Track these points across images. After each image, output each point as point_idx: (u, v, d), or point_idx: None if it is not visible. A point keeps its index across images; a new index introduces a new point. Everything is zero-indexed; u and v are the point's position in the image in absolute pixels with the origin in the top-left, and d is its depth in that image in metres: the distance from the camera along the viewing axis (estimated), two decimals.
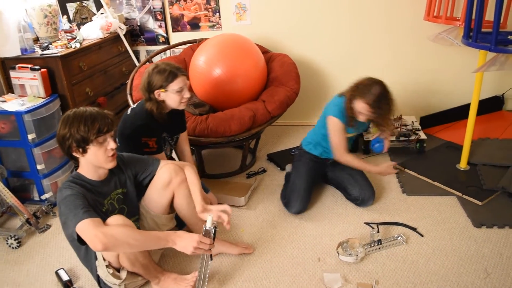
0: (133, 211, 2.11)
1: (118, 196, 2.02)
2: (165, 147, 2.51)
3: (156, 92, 2.25)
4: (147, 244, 1.79)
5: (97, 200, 1.89)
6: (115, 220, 1.77)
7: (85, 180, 1.90)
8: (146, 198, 2.14)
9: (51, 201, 2.83)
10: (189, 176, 2.12)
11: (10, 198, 2.54)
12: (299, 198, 2.57)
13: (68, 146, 1.81)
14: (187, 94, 2.29)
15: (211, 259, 1.98)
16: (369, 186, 2.64)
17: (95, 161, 1.86)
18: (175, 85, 2.24)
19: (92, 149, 1.82)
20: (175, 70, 2.25)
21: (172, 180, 2.08)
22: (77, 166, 1.95)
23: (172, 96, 2.27)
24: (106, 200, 1.96)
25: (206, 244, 1.84)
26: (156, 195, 2.11)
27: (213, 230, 1.91)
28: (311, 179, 2.67)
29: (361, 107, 2.42)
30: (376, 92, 2.41)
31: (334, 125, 2.54)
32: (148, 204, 2.14)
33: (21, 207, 2.56)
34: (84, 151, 1.82)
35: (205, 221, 1.92)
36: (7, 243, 2.46)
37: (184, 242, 1.81)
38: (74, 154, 1.84)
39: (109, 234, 1.66)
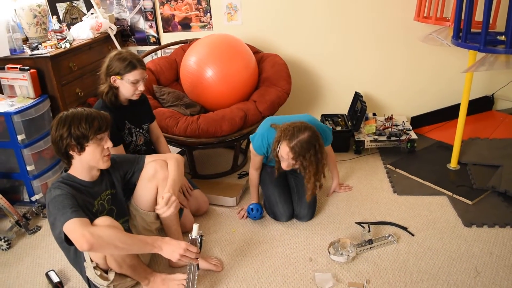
0: (122, 212, 2.11)
1: (108, 197, 2.02)
2: (134, 138, 2.50)
3: (112, 77, 2.28)
4: (133, 247, 1.78)
5: (87, 200, 1.88)
6: (103, 221, 1.76)
7: (76, 181, 1.89)
8: (135, 194, 2.16)
9: (41, 203, 2.81)
10: (169, 169, 2.12)
11: (0, 200, 2.51)
12: (280, 208, 2.53)
13: (65, 145, 1.81)
14: (141, 87, 2.33)
15: (198, 269, 1.97)
16: (308, 206, 2.52)
17: (92, 160, 1.86)
18: (131, 76, 2.27)
19: (90, 148, 1.83)
20: (135, 62, 2.28)
21: (156, 174, 2.08)
22: (67, 168, 1.94)
23: (126, 86, 2.31)
24: (96, 200, 1.95)
25: (193, 253, 1.84)
26: (142, 189, 2.12)
27: (199, 239, 1.92)
28: (280, 184, 2.60)
29: (284, 151, 2.20)
30: (303, 138, 2.15)
31: (252, 155, 2.53)
32: (136, 201, 2.15)
33: (10, 209, 2.54)
34: (82, 149, 1.82)
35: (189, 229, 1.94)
36: None
37: (171, 249, 1.81)
38: (71, 152, 1.84)
39: (96, 235, 1.65)
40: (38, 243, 2.50)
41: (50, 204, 1.76)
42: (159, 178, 2.09)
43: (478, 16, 2.71)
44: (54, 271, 2.21)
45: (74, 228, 1.66)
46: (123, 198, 2.11)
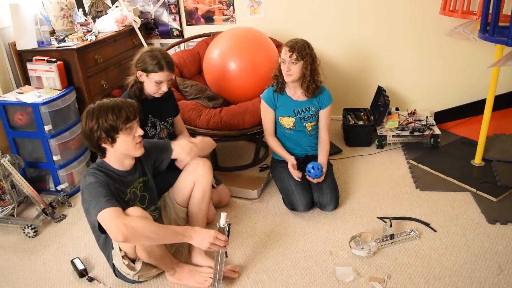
0: (153, 199, 2.15)
1: (140, 184, 2.05)
2: (158, 131, 2.53)
3: (139, 72, 2.31)
4: (165, 238, 1.83)
5: (120, 189, 1.91)
6: (134, 211, 1.79)
7: (110, 169, 1.93)
8: (175, 185, 2.24)
9: (67, 192, 2.88)
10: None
11: (27, 188, 2.58)
12: (297, 196, 2.53)
13: (97, 138, 1.83)
14: (164, 88, 2.35)
15: (226, 256, 2.00)
16: (329, 191, 2.53)
17: (125, 149, 1.89)
18: (157, 76, 2.29)
19: (121, 138, 1.84)
20: (164, 63, 2.29)
21: (198, 168, 2.18)
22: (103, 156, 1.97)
23: (150, 84, 2.33)
24: (129, 189, 1.98)
25: (222, 241, 1.86)
26: (182, 181, 2.22)
27: (227, 227, 1.94)
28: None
29: (283, 52, 2.45)
30: (297, 40, 2.47)
31: (261, 107, 2.68)
32: (174, 193, 2.22)
33: (37, 197, 2.60)
34: (114, 141, 1.84)
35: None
36: (24, 232, 2.50)
37: (201, 237, 1.84)
38: (103, 145, 1.86)
39: (130, 226, 1.68)
40: (64, 231, 2.56)
41: (84, 190, 1.80)
42: (199, 173, 2.17)
43: (506, 9, 2.65)
44: (79, 258, 2.26)
45: (108, 219, 1.70)
46: (154, 185, 2.15)
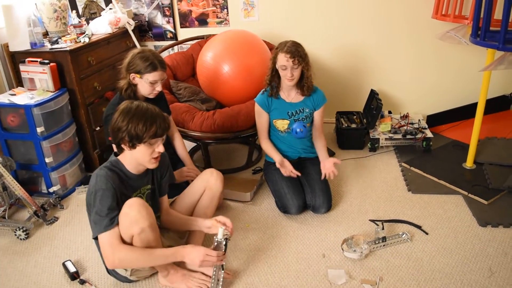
0: (156, 209, 2.14)
1: (148, 191, 2.06)
2: None
3: (132, 75, 2.31)
4: (156, 262, 1.94)
5: (125, 194, 1.90)
6: (134, 201, 1.81)
7: (122, 170, 1.93)
8: (185, 192, 2.32)
9: (59, 194, 2.86)
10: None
11: (19, 190, 2.57)
12: (290, 199, 2.54)
13: (120, 138, 1.84)
14: (158, 88, 2.35)
15: (223, 269, 2.00)
16: (322, 194, 2.54)
17: (140, 158, 1.89)
18: (151, 76, 2.29)
19: (141, 148, 1.85)
20: (157, 63, 2.29)
21: (210, 178, 2.28)
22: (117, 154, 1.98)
23: (144, 85, 2.33)
24: (135, 193, 1.98)
25: (213, 257, 1.88)
26: (194, 185, 2.32)
27: (223, 242, 1.95)
28: (289, 177, 2.59)
29: (282, 59, 2.45)
30: (290, 42, 2.50)
31: (256, 110, 2.69)
32: (181, 200, 2.31)
33: (29, 199, 2.59)
34: (133, 147, 1.85)
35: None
36: (16, 235, 2.49)
37: (192, 256, 1.88)
38: (122, 145, 1.87)
39: (119, 259, 1.81)
40: (56, 234, 2.55)
41: (94, 192, 1.82)
42: (211, 182, 2.28)
43: (497, 14, 2.68)
44: (70, 261, 2.25)
45: (104, 245, 1.81)
46: (157, 195, 2.15)
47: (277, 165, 2.54)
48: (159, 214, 2.18)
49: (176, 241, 2.21)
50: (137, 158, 1.90)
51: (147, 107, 1.87)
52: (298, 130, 2.58)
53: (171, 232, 2.22)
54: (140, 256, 1.83)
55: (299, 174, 2.54)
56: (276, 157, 2.60)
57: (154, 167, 1.96)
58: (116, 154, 1.97)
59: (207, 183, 2.28)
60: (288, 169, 2.52)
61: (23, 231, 2.48)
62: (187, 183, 2.49)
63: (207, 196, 2.28)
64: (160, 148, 1.89)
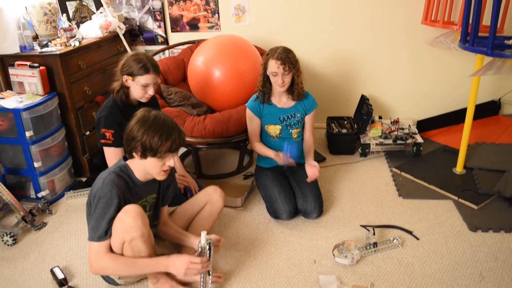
0: (156, 218, 2.14)
1: (153, 200, 2.05)
2: None
3: (124, 77, 2.29)
4: (139, 272, 1.96)
5: (130, 200, 1.88)
6: (132, 208, 1.80)
7: (130, 176, 1.91)
8: (185, 203, 2.31)
9: (48, 199, 2.83)
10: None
11: (7, 195, 2.53)
12: (280, 204, 2.53)
13: (133, 147, 1.82)
14: (151, 91, 2.33)
15: (209, 275, 1.99)
16: (314, 199, 2.54)
17: (149, 169, 1.87)
18: (143, 79, 2.27)
19: (152, 159, 1.82)
20: (149, 66, 2.28)
21: (213, 194, 2.27)
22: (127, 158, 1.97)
23: (136, 88, 2.30)
24: (141, 201, 1.96)
25: (198, 264, 1.87)
26: (196, 199, 2.31)
27: (207, 247, 1.93)
28: (279, 182, 2.62)
29: (273, 65, 2.45)
30: (280, 48, 2.50)
31: (247, 115, 2.69)
32: (181, 212, 2.29)
33: (17, 205, 2.56)
34: (144, 157, 1.83)
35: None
36: (3, 240, 2.45)
37: (176, 265, 1.87)
38: (134, 154, 1.85)
39: (104, 267, 1.87)
40: (44, 239, 2.52)
41: (98, 197, 1.81)
42: (213, 198, 2.27)
43: (486, 20, 2.71)
44: (59, 267, 2.22)
45: (91, 253, 1.84)
46: (159, 205, 2.13)
47: (273, 156, 2.55)
48: (157, 222, 2.16)
49: (170, 250, 2.19)
50: (146, 168, 1.88)
51: (164, 119, 1.84)
52: (288, 152, 2.50)
53: (166, 241, 2.21)
54: (122, 266, 1.84)
55: (294, 164, 2.53)
56: (270, 152, 2.60)
57: (162, 179, 1.95)
58: (126, 158, 1.95)
59: (209, 198, 2.27)
60: (285, 157, 2.50)
61: (10, 237, 2.45)
62: (185, 194, 2.49)
63: (207, 210, 2.27)
64: (171, 162, 1.86)
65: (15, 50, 2.86)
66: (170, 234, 2.16)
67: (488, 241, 2.32)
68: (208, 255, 1.93)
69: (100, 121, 2.29)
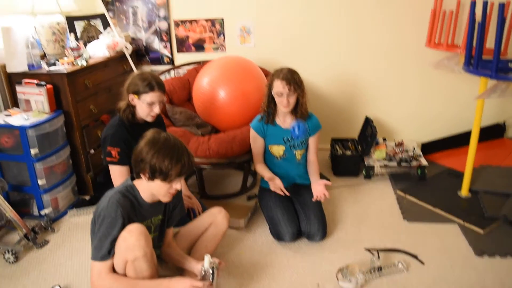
0: (161, 238, 2.13)
1: (158, 222, 2.04)
2: None
3: (130, 95, 2.30)
4: None
5: (134, 220, 1.87)
6: (135, 228, 1.79)
7: (136, 197, 1.91)
8: (189, 225, 2.30)
9: (50, 217, 2.82)
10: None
11: (10, 212, 2.53)
12: (283, 226, 2.51)
13: (141, 168, 1.82)
14: (156, 110, 2.34)
15: None
16: (317, 221, 2.52)
17: (155, 190, 1.87)
18: (148, 97, 2.28)
19: (160, 182, 1.82)
20: (154, 84, 2.29)
21: (218, 215, 2.27)
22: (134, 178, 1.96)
23: (142, 106, 2.32)
24: (145, 222, 1.95)
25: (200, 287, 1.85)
26: (200, 219, 2.30)
27: (210, 271, 1.91)
28: (283, 204, 2.60)
29: (278, 85, 2.48)
30: (286, 69, 2.53)
31: (251, 135, 2.70)
32: (185, 233, 2.27)
33: (20, 222, 2.55)
34: (152, 179, 1.82)
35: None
36: (4, 258, 2.43)
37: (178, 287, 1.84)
38: (141, 175, 1.85)
39: (104, 287, 1.83)
40: (45, 258, 2.50)
41: (103, 216, 1.80)
42: (217, 219, 2.27)
43: (489, 43, 2.72)
44: (59, 286, 2.20)
45: (93, 272, 1.82)
46: (165, 227, 2.12)
47: (267, 178, 2.57)
48: (161, 243, 2.15)
49: (173, 272, 2.17)
50: (152, 189, 1.88)
51: (174, 142, 1.84)
52: (296, 127, 2.57)
53: (169, 263, 2.19)
54: (123, 286, 1.82)
55: (287, 194, 2.53)
56: (266, 174, 2.61)
57: (168, 201, 1.95)
58: (133, 178, 1.95)
59: (214, 219, 2.26)
60: (277, 185, 2.52)
61: (12, 254, 2.43)
62: (189, 215, 2.48)
63: (211, 232, 2.26)
64: (178, 186, 1.86)
65: (23, 68, 2.90)
66: (173, 257, 2.14)
67: (494, 266, 2.29)
68: (211, 279, 1.91)
69: (106, 139, 2.30)
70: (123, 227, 1.79)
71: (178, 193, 2.09)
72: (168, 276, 1.92)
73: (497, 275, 2.22)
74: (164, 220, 2.07)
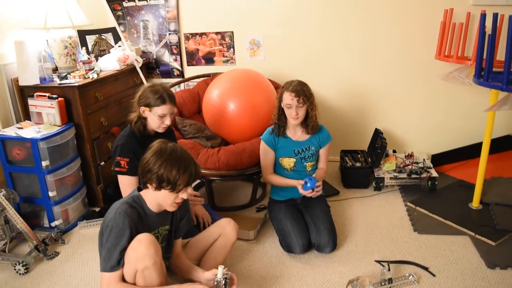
0: (169, 249, 2.13)
1: (165, 232, 2.04)
2: None
3: (141, 108, 2.33)
4: None
5: (141, 231, 1.87)
6: (145, 237, 1.80)
7: (143, 207, 1.92)
8: (198, 236, 2.30)
9: (61, 229, 2.84)
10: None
11: (21, 224, 2.55)
12: (294, 238, 2.50)
13: (148, 178, 1.83)
14: (167, 121, 2.36)
15: None
16: (327, 233, 2.51)
17: (161, 200, 1.89)
18: (159, 109, 2.31)
19: (166, 192, 1.84)
20: (166, 97, 2.32)
21: (227, 226, 2.27)
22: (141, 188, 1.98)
23: (153, 118, 2.34)
24: (153, 232, 1.95)
25: None
26: (209, 230, 2.30)
27: (222, 281, 1.92)
28: (293, 216, 2.60)
29: (287, 97, 2.50)
30: (296, 81, 2.56)
31: (261, 148, 2.70)
32: (194, 244, 2.27)
33: (30, 233, 2.57)
34: (159, 189, 1.84)
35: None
36: (15, 269, 2.45)
37: None
38: (148, 185, 1.86)
39: None
40: (56, 269, 2.51)
41: (110, 227, 1.81)
42: (227, 230, 2.27)
43: (500, 55, 2.72)
44: None
45: (103, 283, 1.83)
46: (173, 237, 2.13)
47: (296, 184, 2.53)
48: (170, 255, 2.15)
49: (182, 283, 2.16)
50: (158, 199, 1.89)
51: (181, 152, 1.85)
52: (308, 182, 2.50)
53: (178, 275, 2.18)
54: None
55: (319, 191, 2.52)
56: (290, 181, 2.60)
57: (173, 211, 1.96)
58: (140, 189, 1.96)
59: (223, 230, 2.27)
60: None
61: (22, 266, 2.44)
62: (198, 226, 2.48)
63: (220, 243, 2.26)
64: (184, 195, 1.88)
65: (35, 81, 2.94)
66: (182, 268, 2.14)
67: (506, 278, 2.25)
68: None
69: (117, 149, 2.32)
70: (131, 237, 1.80)
71: (185, 204, 2.10)
72: None
73: (509, 287, 2.18)
74: (171, 231, 2.08)
